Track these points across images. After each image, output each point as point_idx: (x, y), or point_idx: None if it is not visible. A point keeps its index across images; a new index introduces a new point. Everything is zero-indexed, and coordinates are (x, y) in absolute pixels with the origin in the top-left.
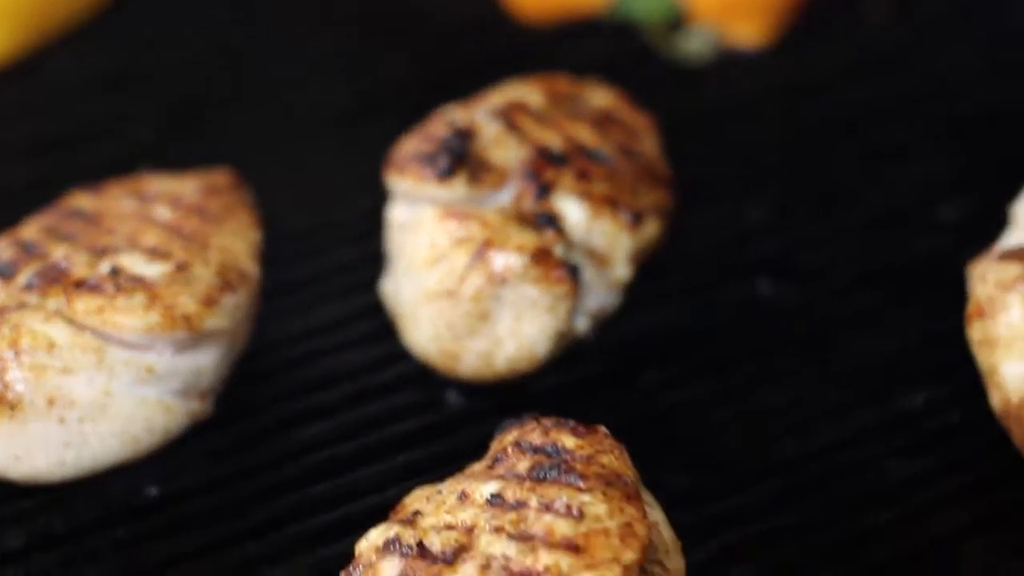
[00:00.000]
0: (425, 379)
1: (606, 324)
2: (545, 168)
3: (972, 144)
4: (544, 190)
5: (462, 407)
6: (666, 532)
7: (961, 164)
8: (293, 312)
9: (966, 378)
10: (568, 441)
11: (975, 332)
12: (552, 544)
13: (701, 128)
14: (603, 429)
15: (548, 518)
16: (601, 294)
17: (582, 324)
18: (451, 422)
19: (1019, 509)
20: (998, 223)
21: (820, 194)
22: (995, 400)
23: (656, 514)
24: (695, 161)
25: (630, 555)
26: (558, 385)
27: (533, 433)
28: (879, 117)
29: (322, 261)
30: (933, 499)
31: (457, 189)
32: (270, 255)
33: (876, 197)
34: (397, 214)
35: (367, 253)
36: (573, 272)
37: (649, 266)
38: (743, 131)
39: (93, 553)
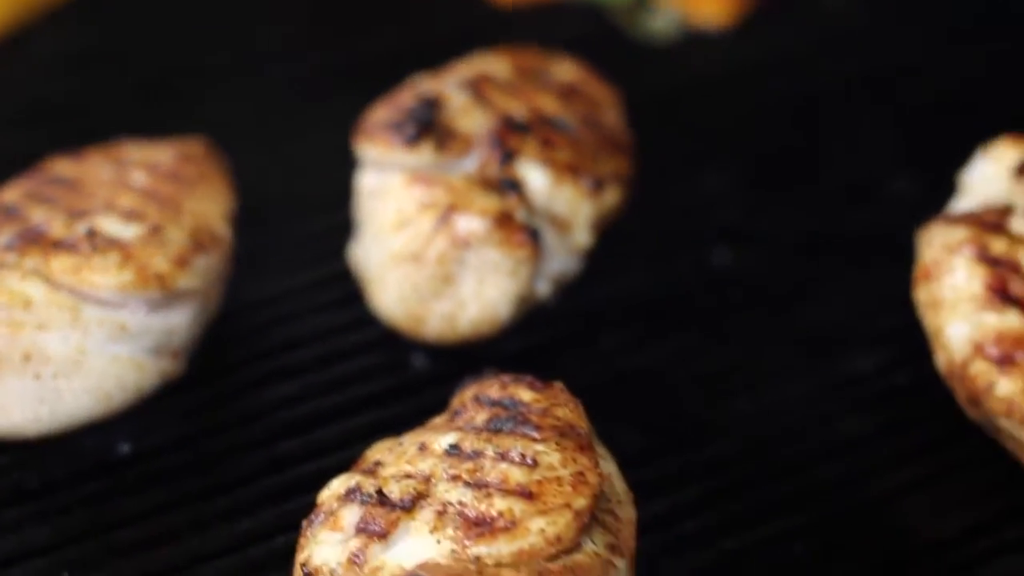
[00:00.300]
0: (391, 342)
1: (568, 289)
2: (509, 136)
3: (928, 122)
4: (508, 157)
5: (426, 369)
6: (619, 483)
7: (917, 140)
8: (265, 276)
9: (914, 342)
10: (525, 395)
11: (921, 294)
12: (507, 491)
13: (665, 104)
14: (559, 384)
15: (503, 466)
16: (562, 259)
17: (544, 288)
18: (415, 383)
19: (963, 467)
20: (951, 196)
21: (779, 167)
22: (940, 361)
23: (609, 466)
24: (658, 135)
25: (582, 502)
26: (520, 348)
27: (492, 388)
28: (838, 95)
29: (294, 228)
30: (881, 457)
31: (424, 155)
32: (244, 222)
33: (833, 170)
34: (366, 181)
35: (338, 221)
36: (535, 236)
37: (611, 233)
38: (705, 107)
39: (66, 507)
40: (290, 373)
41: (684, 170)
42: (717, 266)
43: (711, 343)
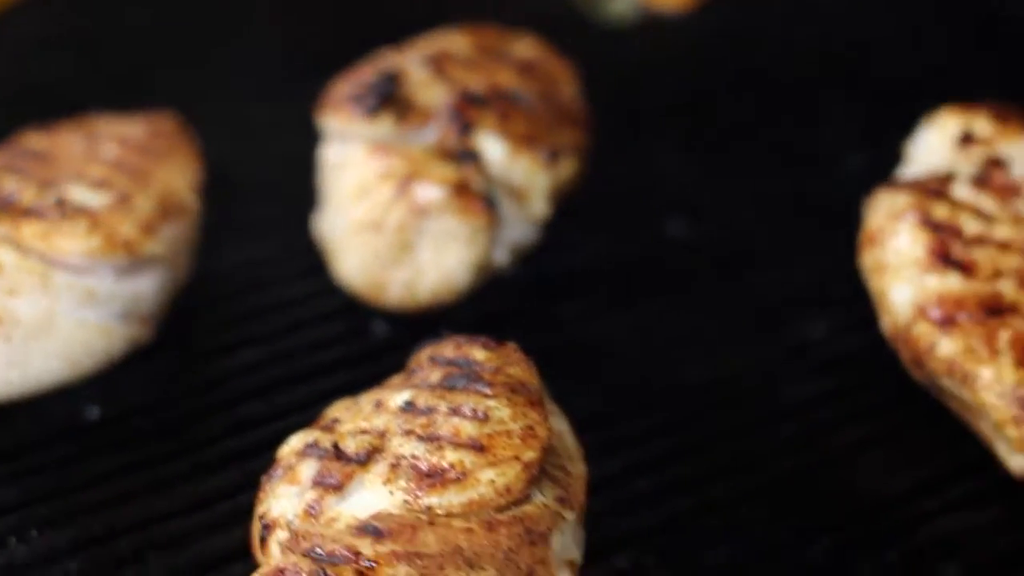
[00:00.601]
0: (353, 310)
1: (526, 258)
2: (468, 108)
3: (882, 100)
4: (466, 128)
5: (387, 336)
6: (570, 441)
7: (871, 116)
8: (233, 247)
9: (863, 308)
10: (478, 354)
11: (867, 259)
12: (458, 444)
13: (623, 83)
14: (512, 344)
15: (455, 421)
16: (520, 228)
17: (502, 257)
18: (376, 350)
19: (908, 428)
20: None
21: (735, 143)
22: (885, 324)
23: (560, 423)
24: (617, 112)
25: (530, 454)
26: (479, 316)
27: (447, 348)
28: (795, 74)
29: (261, 201)
30: (830, 419)
31: (384, 126)
32: (213, 195)
33: (788, 145)
34: (329, 154)
35: (304, 194)
36: (491, 205)
37: (568, 205)
38: (663, 85)
39: (36, 468)
40: (255, 340)
41: (641, 145)
42: (673, 236)
43: (667, 310)
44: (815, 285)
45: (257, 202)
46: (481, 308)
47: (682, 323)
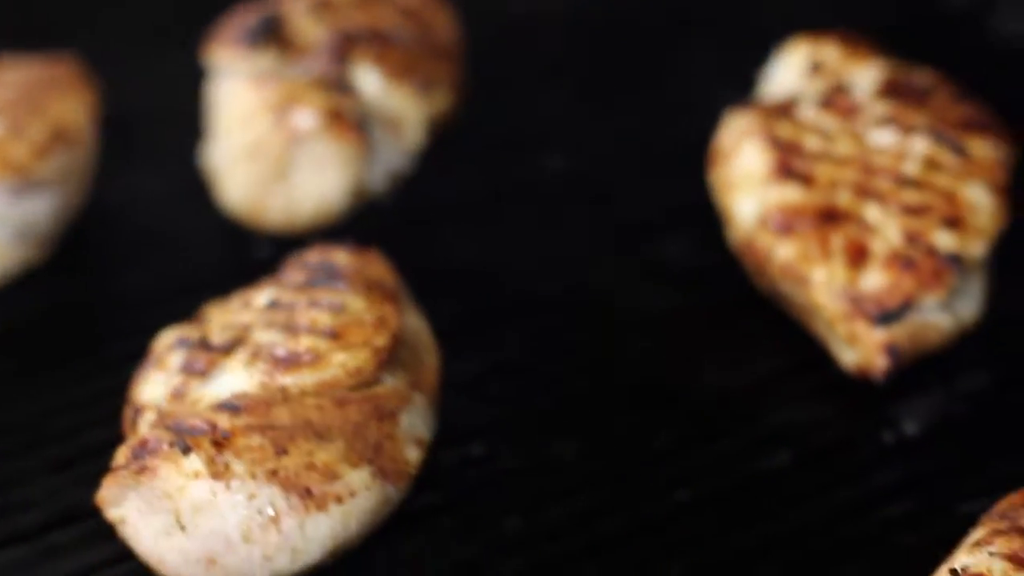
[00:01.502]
0: (237, 234)
1: (405, 186)
2: (346, 43)
3: (752, 44)
4: (343, 61)
5: (269, 258)
6: (425, 337)
7: (746, 63)
8: (126, 178)
9: (718, 229)
10: (341, 258)
11: (716, 177)
12: (314, 332)
13: (514, 35)
14: (375, 250)
15: (313, 313)
16: (395, 156)
17: (379, 183)
18: (259, 270)
19: (751, 334)
20: None
21: (614, 86)
22: (732, 237)
23: (418, 322)
24: (504, 61)
25: (381, 340)
26: (355, 238)
27: (312, 254)
28: (676, 30)
29: (155, 135)
30: (682, 326)
31: (265, 59)
32: (110, 130)
33: (664, 90)
34: (216, 88)
35: (195, 129)
36: (364, 131)
37: (449, 139)
38: (551, 38)
39: None
40: (144, 261)
41: (526, 90)
42: (548, 169)
43: (534, 233)
44: (677, 209)
45: (150, 135)
46: (358, 231)
47: (549, 245)
